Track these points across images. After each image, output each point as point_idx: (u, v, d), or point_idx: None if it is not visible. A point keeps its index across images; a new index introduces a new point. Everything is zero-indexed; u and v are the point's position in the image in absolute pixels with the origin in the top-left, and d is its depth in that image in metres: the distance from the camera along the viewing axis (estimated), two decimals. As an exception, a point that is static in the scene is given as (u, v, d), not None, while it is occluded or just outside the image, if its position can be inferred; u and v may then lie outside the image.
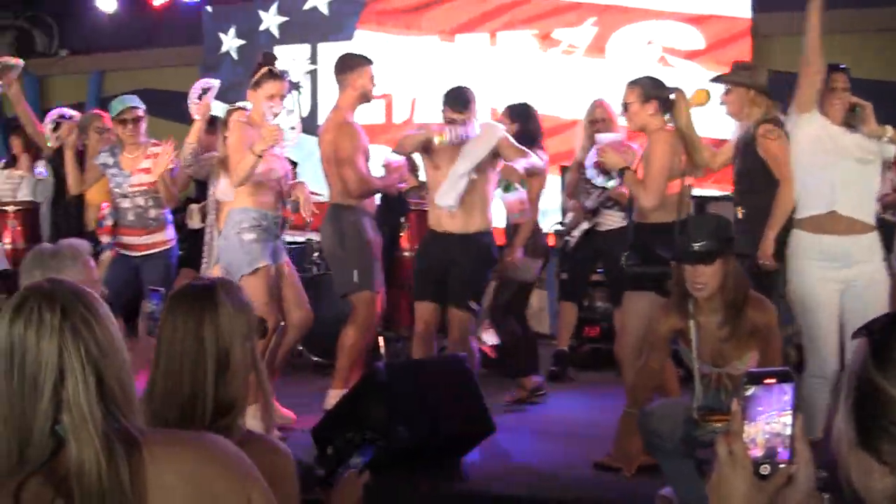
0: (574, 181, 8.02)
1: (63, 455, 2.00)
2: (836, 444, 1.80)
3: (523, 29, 11.72)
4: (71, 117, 8.11)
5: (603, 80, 10.58)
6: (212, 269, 7.19)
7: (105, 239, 7.62)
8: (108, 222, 7.65)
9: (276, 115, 6.91)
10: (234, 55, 13.12)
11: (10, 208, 9.44)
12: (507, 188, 7.21)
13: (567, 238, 8.25)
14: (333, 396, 6.89)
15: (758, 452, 1.81)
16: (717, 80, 6.45)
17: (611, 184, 7.17)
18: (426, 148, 7.17)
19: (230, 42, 13.15)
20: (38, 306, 2.05)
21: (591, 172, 7.20)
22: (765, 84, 6.27)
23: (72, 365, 2.01)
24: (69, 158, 7.96)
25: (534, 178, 7.38)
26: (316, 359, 9.00)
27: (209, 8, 13.27)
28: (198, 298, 2.91)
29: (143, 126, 7.73)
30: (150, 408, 2.83)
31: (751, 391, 1.81)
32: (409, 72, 11.94)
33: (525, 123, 7.76)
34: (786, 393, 1.81)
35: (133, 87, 12.90)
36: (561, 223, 8.95)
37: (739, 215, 6.22)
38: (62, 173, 8.50)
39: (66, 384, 2.01)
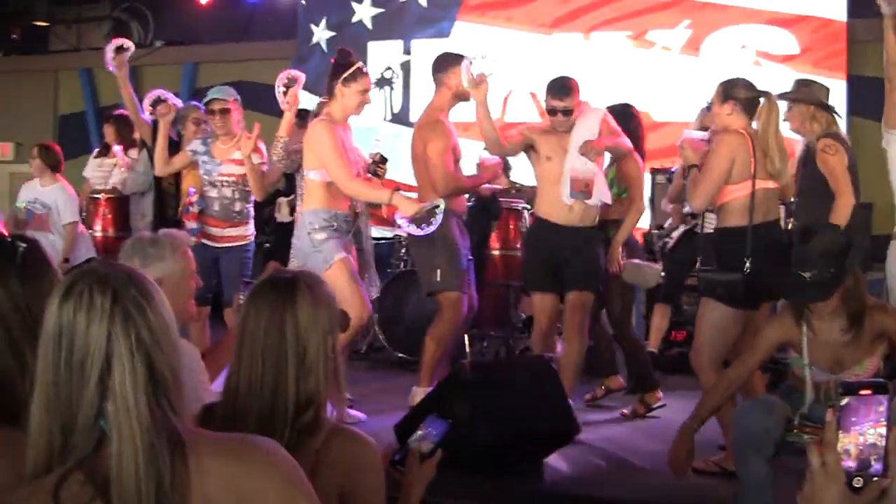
0: (680, 185, 7.89)
1: (106, 451, 1.95)
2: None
3: (617, 31, 11.66)
4: (167, 100, 8.16)
5: (697, 82, 10.50)
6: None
7: (191, 225, 7.65)
8: (195, 209, 7.70)
9: (362, 110, 6.98)
10: (324, 47, 13.18)
11: (102, 196, 9.58)
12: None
13: (666, 239, 8.17)
14: (418, 394, 6.89)
15: (851, 464, 1.79)
16: (780, 97, 6.37)
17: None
18: (530, 145, 7.15)
19: (321, 33, 13.21)
20: (88, 288, 1.99)
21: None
22: (824, 100, 6.26)
23: (120, 351, 1.96)
24: (161, 136, 8.00)
25: (630, 173, 7.46)
26: (400, 355, 9.00)
27: (304, 1, 13.32)
28: (279, 291, 2.87)
29: (235, 117, 7.76)
30: (231, 403, 2.82)
31: (845, 401, 1.80)
32: (503, 67, 11.91)
33: (625, 125, 7.63)
34: (881, 404, 1.79)
35: (226, 79, 13.01)
36: (658, 226, 8.88)
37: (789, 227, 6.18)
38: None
39: (112, 371, 1.95)
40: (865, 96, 6.25)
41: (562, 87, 7.07)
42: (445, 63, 7.39)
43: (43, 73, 15.50)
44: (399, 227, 7.06)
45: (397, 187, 6.92)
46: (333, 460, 2.74)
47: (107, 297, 1.98)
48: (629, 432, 7.10)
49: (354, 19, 13.01)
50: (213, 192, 7.75)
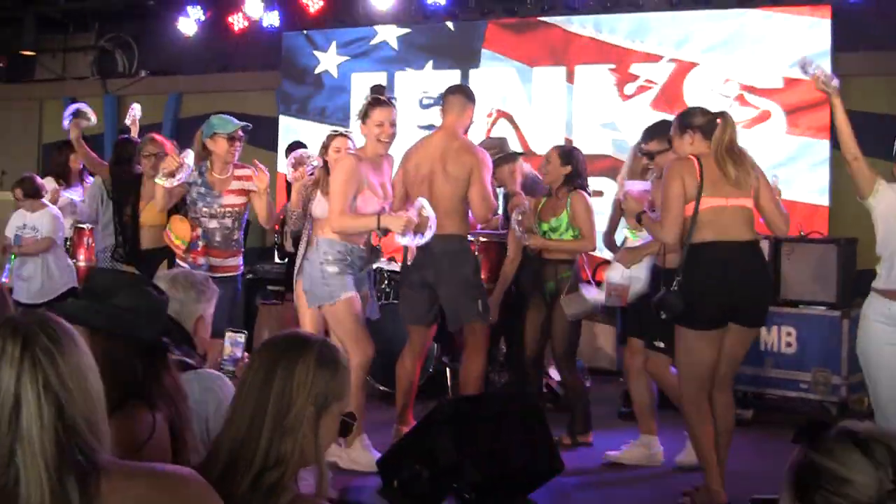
0: (617, 220, 7.92)
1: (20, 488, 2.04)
2: None
3: (600, 63, 11.71)
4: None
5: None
6: (296, 285, 7.47)
7: (200, 261, 7.62)
8: (202, 243, 7.65)
9: (385, 142, 6.96)
10: (334, 73, 13.17)
11: (87, 226, 9.58)
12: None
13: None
14: None
15: None
16: None
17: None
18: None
19: (329, 59, 13.23)
20: (2, 336, 2.08)
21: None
22: None
23: (27, 395, 2.05)
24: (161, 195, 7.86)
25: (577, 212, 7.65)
26: (382, 388, 8.94)
27: (305, 32, 13.34)
28: (287, 346, 2.85)
29: None
30: (216, 444, 2.84)
31: None
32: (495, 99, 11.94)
33: (573, 162, 7.75)
34: None
35: (210, 109, 13.06)
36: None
37: None
38: (117, 195, 8.61)
39: (21, 414, 2.04)
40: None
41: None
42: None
43: (28, 102, 15.47)
44: (406, 245, 7.05)
45: (382, 208, 6.94)
46: None
47: (17, 344, 2.07)
48: (612, 469, 7.10)
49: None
50: (213, 224, 7.65)
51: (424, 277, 7.24)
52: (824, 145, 10.50)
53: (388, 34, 12.83)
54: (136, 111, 9.81)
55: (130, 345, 3.08)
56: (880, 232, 5.99)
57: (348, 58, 13.03)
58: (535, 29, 12.12)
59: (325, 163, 7.49)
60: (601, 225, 7.88)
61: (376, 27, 12.85)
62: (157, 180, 7.53)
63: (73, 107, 9.18)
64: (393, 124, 6.96)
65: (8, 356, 2.06)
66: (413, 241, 6.78)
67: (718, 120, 6.03)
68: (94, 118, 9.32)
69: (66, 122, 9.10)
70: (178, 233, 7.59)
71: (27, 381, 2.05)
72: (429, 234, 6.74)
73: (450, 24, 12.57)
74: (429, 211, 6.71)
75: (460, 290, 7.23)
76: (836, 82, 5.94)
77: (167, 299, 3.49)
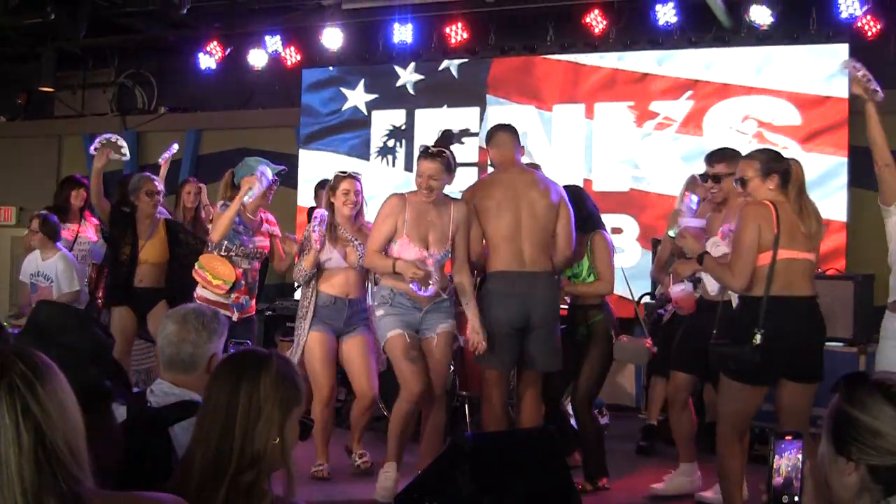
0: (666, 255, 7.80)
1: None
2: (820, 459, 2.67)
3: (619, 101, 11.74)
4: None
5: (700, 154, 10.57)
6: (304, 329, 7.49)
7: (242, 300, 7.68)
8: (244, 282, 7.69)
9: (425, 192, 6.96)
10: (364, 110, 13.18)
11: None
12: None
13: (660, 311, 8.13)
14: None
15: (780, 480, 2.66)
16: None
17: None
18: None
19: (357, 96, 13.27)
20: None
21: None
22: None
23: (4, 421, 2.05)
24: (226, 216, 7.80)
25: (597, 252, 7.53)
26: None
27: (331, 68, 13.40)
28: (247, 363, 3.05)
29: None
30: (186, 462, 2.96)
31: (776, 441, 2.70)
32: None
33: (584, 203, 7.59)
34: (798, 445, 2.70)
35: (229, 146, 13.22)
36: (651, 294, 8.86)
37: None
38: (115, 232, 8.70)
39: None
40: (866, 168, 6.23)
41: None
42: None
43: (47, 138, 15.52)
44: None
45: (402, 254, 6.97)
46: None
47: None
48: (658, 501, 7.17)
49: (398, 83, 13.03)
50: (245, 264, 7.75)
51: (518, 317, 7.04)
52: (842, 180, 10.52)
53: (407, 75, 12.88)
54: (173, 150, 9.83)
55: (73, 387, 3.12)
56: (892, 242, 5.99)
57: (376, 95, 13.06)
58: (553, 66, 12.12)
59: (332, 205, 7.51)
60: (622, 262, 7.83)
61: (397, 67, 12.88)
62: (241, 197, 7.58)
63: (105, 136, 9.13)
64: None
65: None
66: (414, 289, 6.88)
67: (793, 166, 5.93)
68: (126, 153, 9.27)
69: (92, 149, 9.05)
70: (220, 273, 7.59)
71: (4, 407, 2.06)
72: (431, 290, 6.87)
73: (454, 64, 12.62)
74: (432, 267, 6.84)
75: (554, 333, 7.19)
76: (875, 86, 5.97)
77: (113, 342, 3.61)
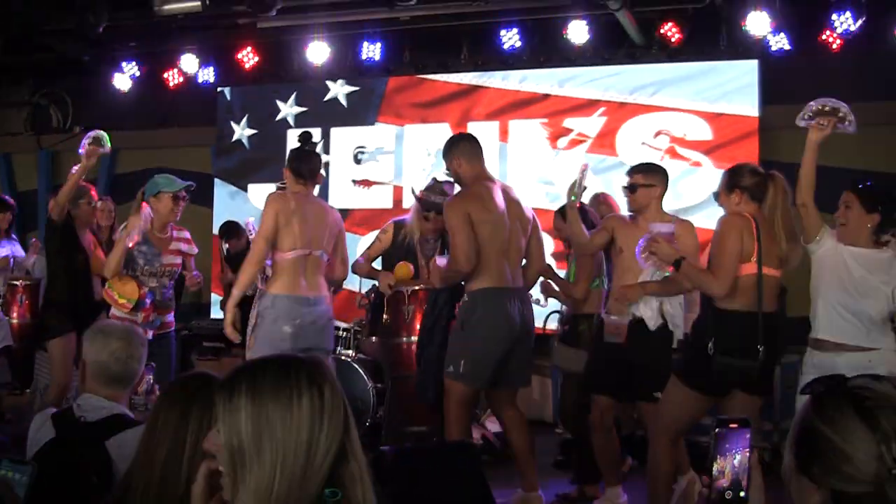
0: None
1: None
2: (784, 473, 2.31)
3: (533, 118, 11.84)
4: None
5: (613, 169, 10.70)
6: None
7: (151, 318, 7.62)
8: (149, 300, 7.63)
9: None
10: (246, 143, 13.23)
11: (20, 282, 9.43)
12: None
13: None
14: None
15: (725, 483, 2.27)
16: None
17: (657, 275, 6.71)
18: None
19: (241, 131, 13.26)
20: None
21: (642, 262, 6.64)
22: None
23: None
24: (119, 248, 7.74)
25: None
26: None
27: (225, 90, 13.36)
28: (198, 385, 3.03)
29: None
30: (125, 484, 2.95)
31: (718, 431, 2.29)
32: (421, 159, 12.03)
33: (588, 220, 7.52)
34: (746, 434, 2.30)
35: (146, 165, 13.08)
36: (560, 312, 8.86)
37: None
38: (72, 242, 8.57)
39: None
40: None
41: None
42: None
43: (-40, 158, 15.31)
44: None
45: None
46: None
47: None
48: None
49: (278, 117, 13.06)
50: (153, 282, 7.69)
51: (509, 336, 6.98)
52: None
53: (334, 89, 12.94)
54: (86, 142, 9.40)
55: None
56: (815, 277, 6.02)
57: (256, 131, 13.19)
58: (463, 85, 12.23)
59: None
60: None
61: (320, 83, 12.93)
62: (126, 238, 7.51)
63: (91, 133, 8.91)
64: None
65: None
66: None
67: (769, 183, 5.99)
68: (108, 147, 8.95)
69: (81, 150, 8.78)
70: (124, 292, 7.52)
71: None
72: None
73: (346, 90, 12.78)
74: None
75: (531, 350, 7.22)
76: (843, 120, 5.85)
77: None
